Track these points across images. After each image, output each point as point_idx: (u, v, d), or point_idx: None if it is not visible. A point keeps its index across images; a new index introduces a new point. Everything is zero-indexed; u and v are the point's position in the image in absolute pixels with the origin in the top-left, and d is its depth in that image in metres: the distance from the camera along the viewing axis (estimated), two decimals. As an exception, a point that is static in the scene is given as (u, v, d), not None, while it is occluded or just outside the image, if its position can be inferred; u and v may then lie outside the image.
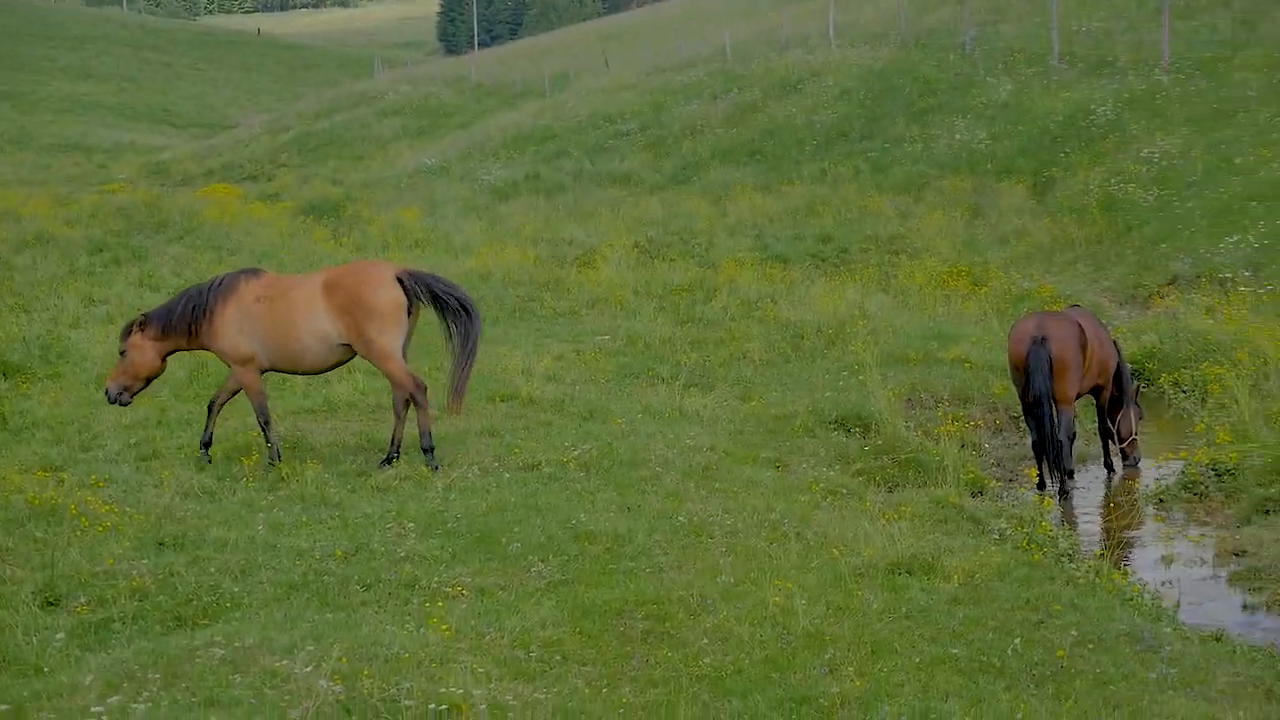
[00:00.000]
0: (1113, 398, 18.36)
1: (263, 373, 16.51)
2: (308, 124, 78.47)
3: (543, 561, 12.81)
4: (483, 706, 9.28)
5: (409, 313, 16.22)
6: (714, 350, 23.32)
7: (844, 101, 48.53)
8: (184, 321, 16.33)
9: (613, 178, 47.85)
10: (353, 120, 75.93)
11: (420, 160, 58.23)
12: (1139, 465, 18.51)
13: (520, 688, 9.92)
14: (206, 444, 16.41)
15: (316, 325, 16.05)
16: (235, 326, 16.20)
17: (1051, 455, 17.26)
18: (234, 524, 13.69)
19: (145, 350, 16.48)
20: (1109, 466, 18.57)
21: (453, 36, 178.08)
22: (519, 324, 26.05)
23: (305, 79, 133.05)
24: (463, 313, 16.38)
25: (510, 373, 20.66)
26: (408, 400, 16.36)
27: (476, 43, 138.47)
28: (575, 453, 16.22)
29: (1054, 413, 17.15)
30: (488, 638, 10.95)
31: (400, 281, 16.15)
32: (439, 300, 16.30)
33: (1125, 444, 18.47)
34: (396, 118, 74.60)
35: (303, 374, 17.16)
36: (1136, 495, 17.28)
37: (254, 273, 16.61)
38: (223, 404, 16.69)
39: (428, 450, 16.18)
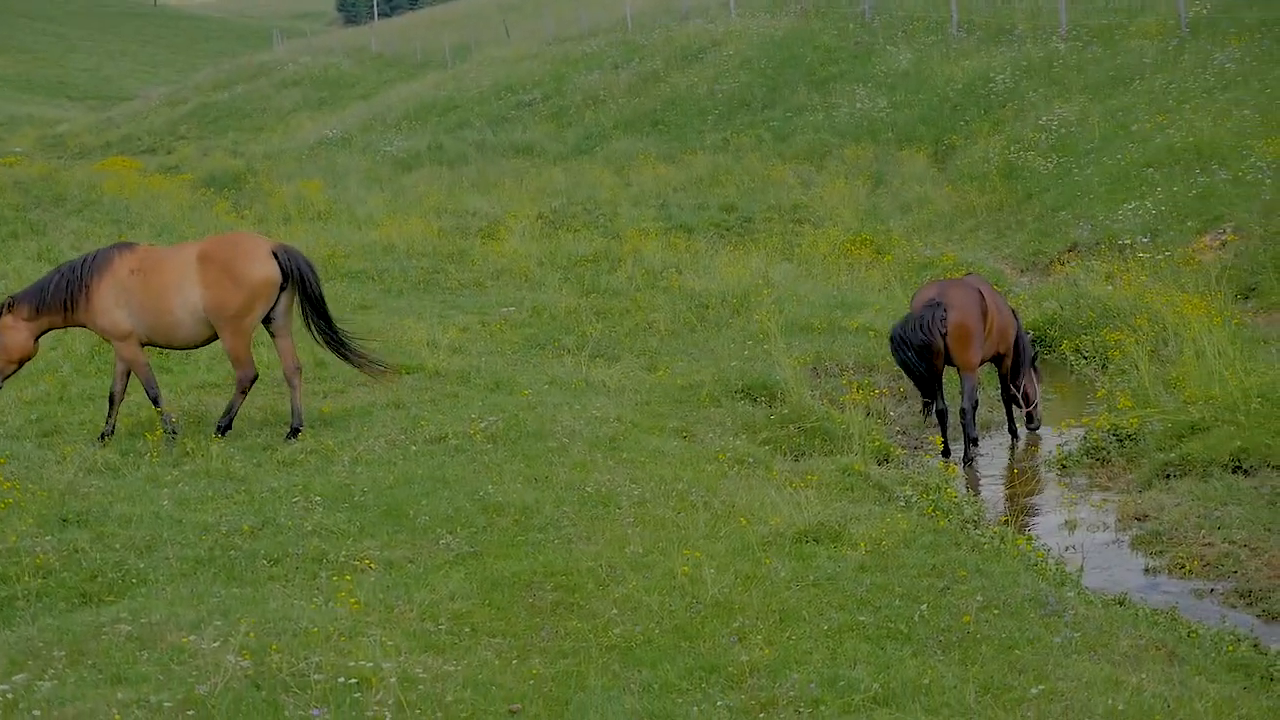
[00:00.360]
0: (1013, 365, 18.55)
1: (141, 346, 16.31)
2: (206, 96, 77.67)
3: (451, 534, 12.79)
4: (392, 679, 9.26)
5: (282, 288, 16.09)
6: (619, 321, 23.32)
7: (745, 71, 48.63)
8: (59, 299, 16.03)
9: (516, 148, 47.74)
10: (252, 92, 75.25)
11: (321, 132, 57.81)
12: (1039, 430, 18.73)
13: (430, 660, 9.91)
14: (108, 434, 16.15)
15: (189, 298, 15.85)
16: (112, 300, 15.95)
17: (932, 403, 17.53)
18: (139, 500, 13.57)
19: (18, 332, 16.16)
20: (1013, 433, 18.76)
21: (352, 6, 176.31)
22: (424, 296, 25.94)
23: (204, 51, 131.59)
24: (315, 309, 16.30)
25: (415, 345, 20.56)
26: (297, 368, 16.33)
27: (376, 13, 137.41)
28: (482, 425, 16.18)
29: (937, 376, 17.41)
30: (396, 611, 10.93)
31: (275, 257, 16.01)
32: (304, 284, 16.15)
33: (1030, 408, 18.69)
34: (296, 89, 73.96)
35: (178, 348, 16.87)
36: (1040, 461, 17.46)
37: (128, 246, 16.36)
38: (123, 392, 16.43)
39: (221, 430, 16.09)
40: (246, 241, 16.18)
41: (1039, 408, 18.78)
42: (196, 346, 16.74)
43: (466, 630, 10.69)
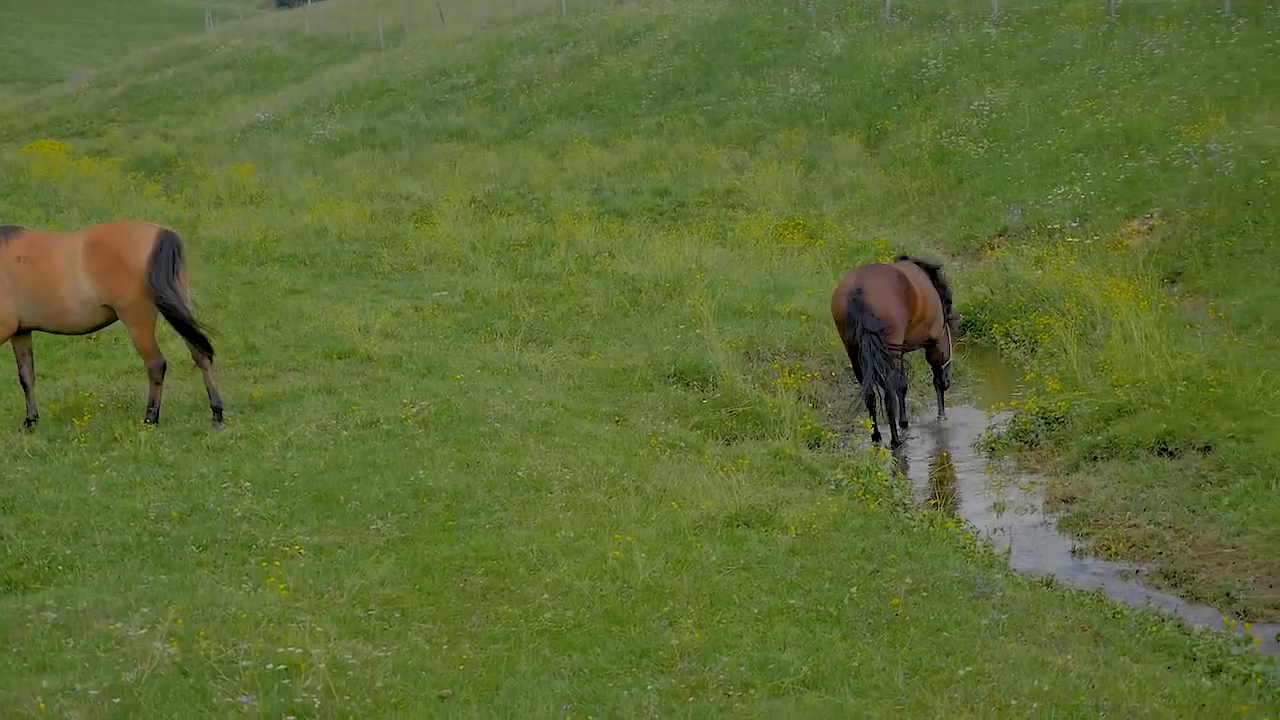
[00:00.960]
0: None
1: (28, 331, 16.13)
2: (137, 78, 77.02)
3: (382, 519, 12.76)
4: (322, 665, 9.24)
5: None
6: (552, 305, 23.32)
7: (680, 55, 48.67)
8: None
9: (449, 132, 47.62)
10: (184, 74, 74.66)
11: (253, 115, 57.48)
12: (948, 386, 19.06)
13: (360, 646, 9.90)
14: (32, 419, 15.98)
15: (76, 286, 15.70)
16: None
17: (869, 381, 17.58)
18: (65, 486, 13.47)
19: None
20: (941, 414, 18.88)
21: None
22: (356, 281, 25.86)
23: (136, 33, 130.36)
24: (166, 299, 16.04)
25: (347, 330, 20.50)
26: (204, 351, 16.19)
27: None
28: (414, 409, 16.15)
29: (879, 355, 17.41)
30: (326, 596, 10.90)
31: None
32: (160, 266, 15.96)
33: (943, 366, 18.97)
34: (228, 71, 73.45)
35: (68, 333, 16.67)
36: (969, 444, 17.55)
37: (15, 231, 16.19)
38: (31, 374, 16.22)
39: (150, 421, 15.93)
40: (136, 230, 15.99)
41: (949, 368, 19.06)
42: (88, 332, 16.60)
43: (396, 616, 10.68)
